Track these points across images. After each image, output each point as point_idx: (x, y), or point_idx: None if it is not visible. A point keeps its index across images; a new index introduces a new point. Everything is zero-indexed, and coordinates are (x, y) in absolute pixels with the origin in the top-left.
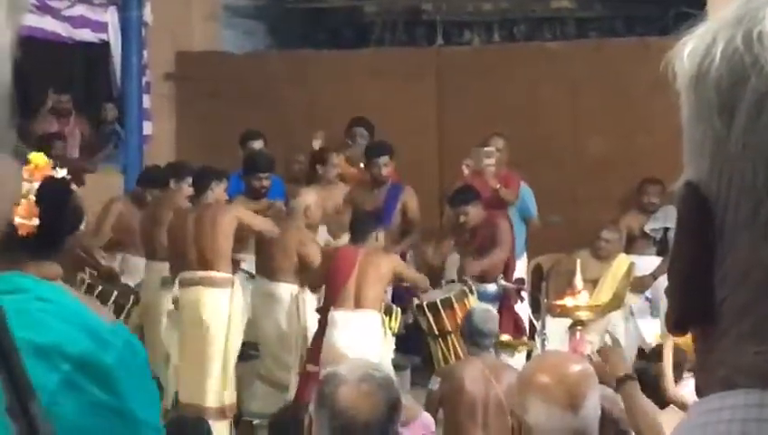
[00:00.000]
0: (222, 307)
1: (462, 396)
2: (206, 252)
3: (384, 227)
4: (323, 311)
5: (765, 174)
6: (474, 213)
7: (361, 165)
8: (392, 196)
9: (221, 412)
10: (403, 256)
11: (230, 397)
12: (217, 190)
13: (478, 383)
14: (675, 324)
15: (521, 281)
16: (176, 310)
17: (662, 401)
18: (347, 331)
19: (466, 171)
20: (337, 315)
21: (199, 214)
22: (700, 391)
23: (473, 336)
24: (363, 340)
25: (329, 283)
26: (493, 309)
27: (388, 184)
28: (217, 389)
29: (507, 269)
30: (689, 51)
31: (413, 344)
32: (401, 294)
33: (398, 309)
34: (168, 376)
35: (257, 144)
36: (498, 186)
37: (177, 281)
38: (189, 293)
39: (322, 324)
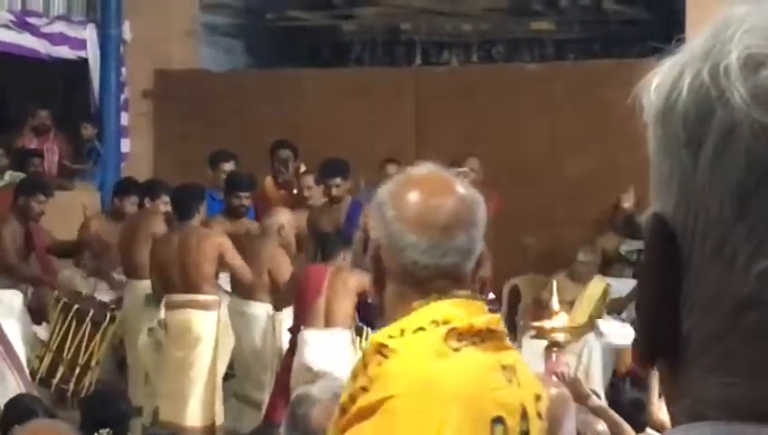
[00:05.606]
0: (210, 329)
1: None
2: (192, 275)
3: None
4: (294, 330)
5: (732, 207)
6: None
7: (294, 191)
8: (352, 214)
9: (205, 432)
10: None
11: (218, 417)
12: (202, 211)
13: None
14: (642, 355)
15: (495, 301)
16: (159, 330)
17: (637, 425)
18: (318, 350)
19: None
20: (307, 334)
21: (184, 237)
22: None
23: None
24: (334, 359)
25: (298, 301)
26: None
27: (347, 202)
28: (201, 409)
29: (483, 289)
30: (656, 84)
31: None
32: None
33: (369, 329)
34: (147, 394)
35: (228, 166)
36: None
37: (162, 304)
38: (177, 315)
39: (293, 344)
